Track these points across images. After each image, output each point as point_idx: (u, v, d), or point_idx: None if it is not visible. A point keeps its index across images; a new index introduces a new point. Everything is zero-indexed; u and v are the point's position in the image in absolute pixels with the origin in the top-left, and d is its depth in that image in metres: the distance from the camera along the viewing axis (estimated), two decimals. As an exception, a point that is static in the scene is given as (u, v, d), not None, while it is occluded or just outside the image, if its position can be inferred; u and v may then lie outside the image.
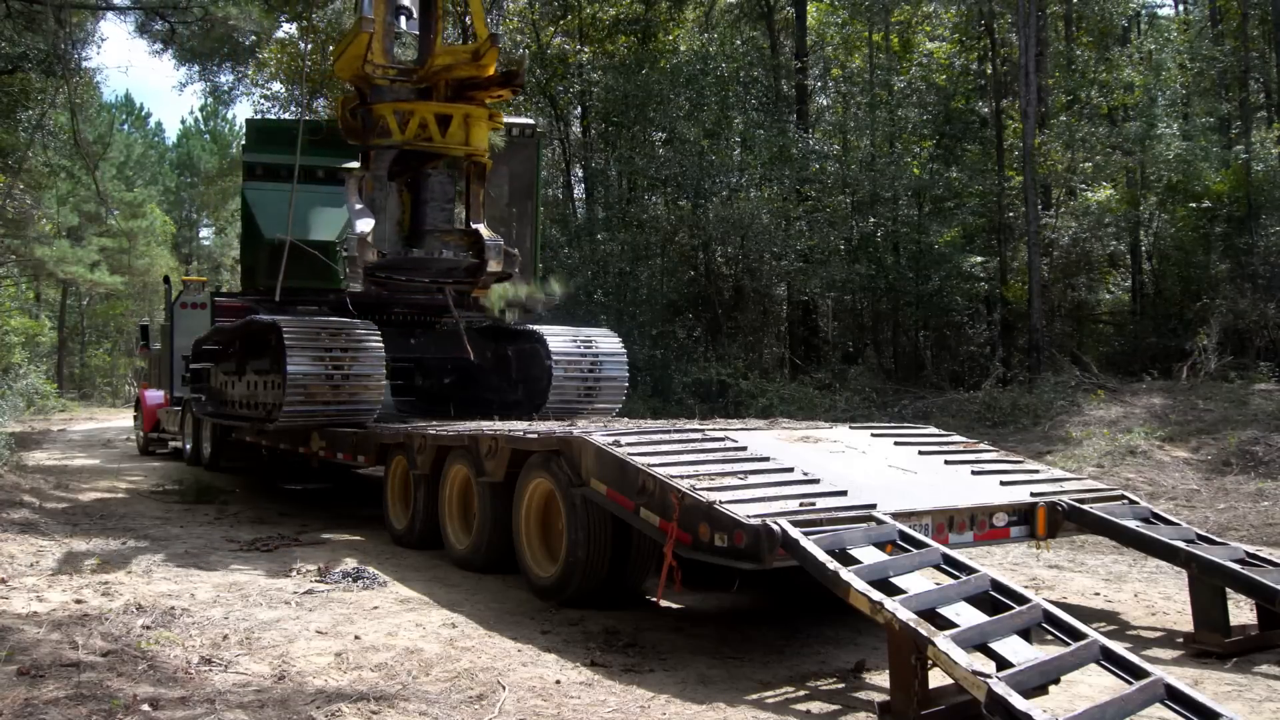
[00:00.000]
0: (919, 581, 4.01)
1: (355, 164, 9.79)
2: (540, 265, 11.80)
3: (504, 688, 4.03)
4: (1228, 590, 4.73)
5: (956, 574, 4.11)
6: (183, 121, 76.89)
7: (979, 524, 5.05)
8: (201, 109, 56.44)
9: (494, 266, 8.06)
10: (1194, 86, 19.89)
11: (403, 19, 8.04)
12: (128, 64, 46.03)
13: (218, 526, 8.63)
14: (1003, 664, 3.47)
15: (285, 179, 9.25)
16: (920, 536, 4.44)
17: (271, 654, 4.51)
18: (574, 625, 5.11)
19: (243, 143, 9.76)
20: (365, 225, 7.55)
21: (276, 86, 24.67)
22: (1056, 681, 3.55)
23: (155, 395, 16.27)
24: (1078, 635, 3.68)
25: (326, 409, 8.41)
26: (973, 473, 5.68)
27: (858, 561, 4.08)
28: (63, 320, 44.39)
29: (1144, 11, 23.19)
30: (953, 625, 3.64)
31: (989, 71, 20.53)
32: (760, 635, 5.05)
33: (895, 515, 4.59)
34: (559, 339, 9.95)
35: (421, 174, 8.12)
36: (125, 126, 50.17)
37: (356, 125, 8.03)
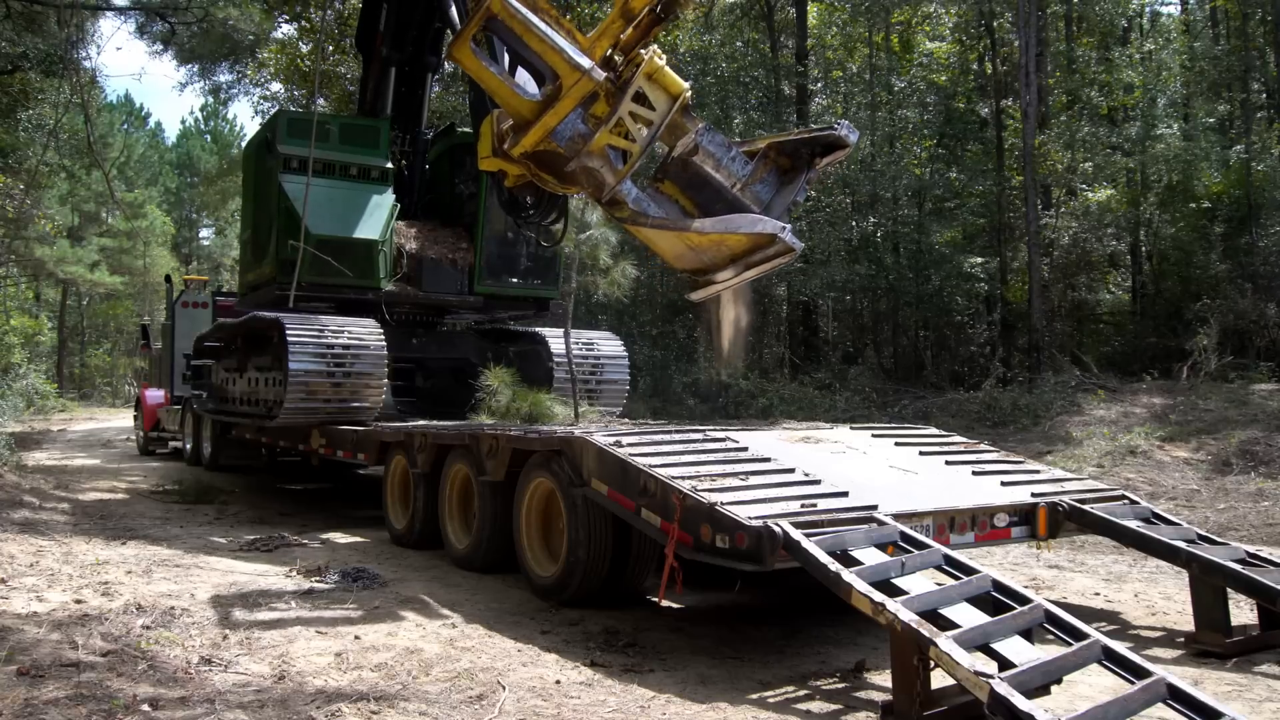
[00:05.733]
0: (921, 582, 4.01)
1: (386, 162, 9.71)
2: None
3: (504, 688, 4.02)
4: (1229, 590, 4.73)
5: (958, 575, 4.11)
6: (183, 122, 76.96)
7: (980, 524, 5.05)
8: (201, 109, 56.62)
9: (847, 146, 5.69)
10: (1194, 86, 19.88)
11: None
12: (142, 70, 45.94)
13: (218, 526, 8.63)
14: (1005, 664, 3.47)
15: (320, 172, 9.27)
16: (921, 537, 4.43)
17: (271, 654, 4.51)
18: (574, 625, 5.10)
19: (270, 134, 9.65)
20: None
21: (276, 86, 24.66)
22: (1059, 681, 3.54)
23: (155, 395, 16.28)
24: (1079, 635, 3.67)
25: (327, 406, 8.43)
26: (974, 473, 5.68)
27: (859, 563, 4.08)
28: (63, 320, 44.38)
29: (1148, 10, 23.18)
30: (955, 626, 3.64)
31: (989, 71, 20.53)
32: (760, 635, 5.04)
33: (896, 516, 4.59)
34: (560, 341, 9.94)
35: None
36: (125, 126, 50.16)
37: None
